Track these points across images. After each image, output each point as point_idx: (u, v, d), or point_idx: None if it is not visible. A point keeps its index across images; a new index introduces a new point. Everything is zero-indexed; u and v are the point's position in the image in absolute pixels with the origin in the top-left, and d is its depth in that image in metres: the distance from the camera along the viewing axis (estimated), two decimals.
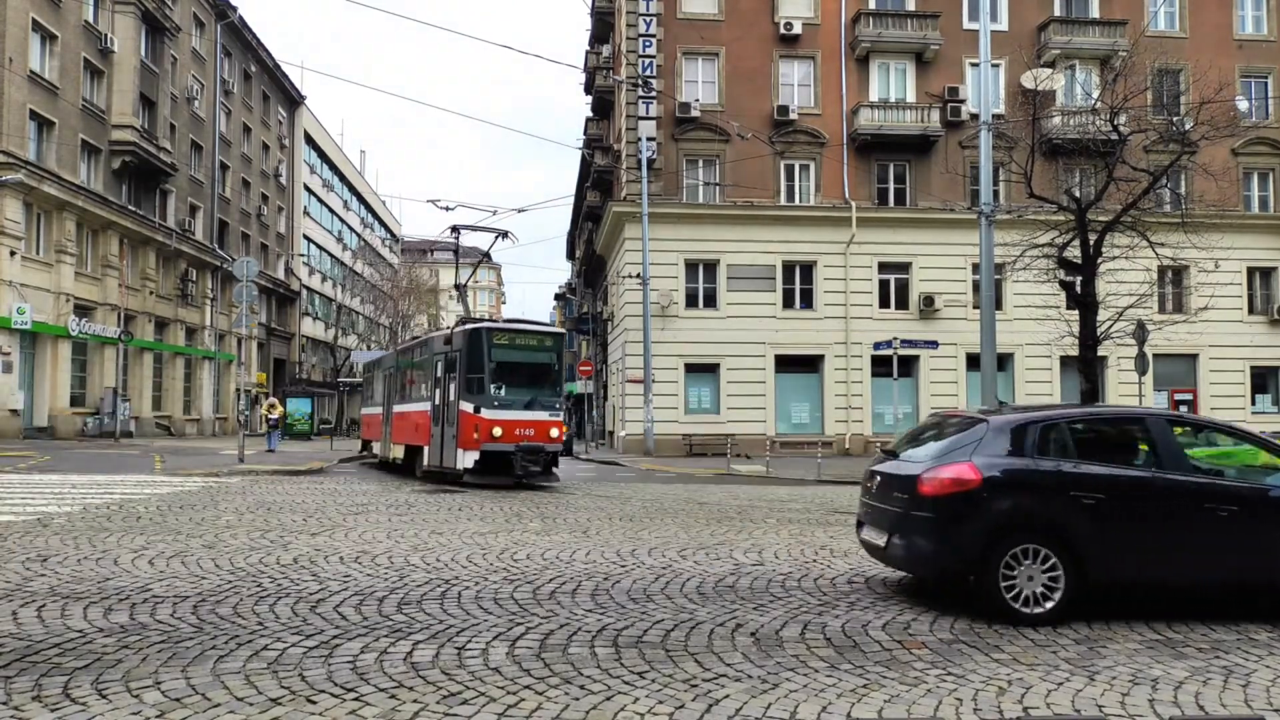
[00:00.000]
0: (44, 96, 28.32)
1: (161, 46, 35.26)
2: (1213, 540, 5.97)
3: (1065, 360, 27.19)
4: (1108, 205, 21.11)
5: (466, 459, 15.39)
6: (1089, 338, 20.44)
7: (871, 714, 4.10)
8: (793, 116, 29.34)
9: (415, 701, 4.15)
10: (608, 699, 4.22)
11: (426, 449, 17.14)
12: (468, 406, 15.46)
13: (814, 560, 8.15)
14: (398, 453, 19.72)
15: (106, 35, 31.22)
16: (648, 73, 28.65)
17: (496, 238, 20.66)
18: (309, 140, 56.39)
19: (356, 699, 4.18)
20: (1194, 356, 30.24)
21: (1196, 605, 6.34)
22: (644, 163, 27.56)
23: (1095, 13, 30.82)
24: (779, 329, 28.87)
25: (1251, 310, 31.05)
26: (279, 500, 12.73)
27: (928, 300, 29.22)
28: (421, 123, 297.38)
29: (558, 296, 70.51)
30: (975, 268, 24.59)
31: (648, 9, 28.98)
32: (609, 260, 35.00)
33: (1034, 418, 6.40)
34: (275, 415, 27.88)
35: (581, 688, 4.37)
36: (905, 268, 29.77)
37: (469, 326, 16.15)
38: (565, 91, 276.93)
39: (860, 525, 7.01)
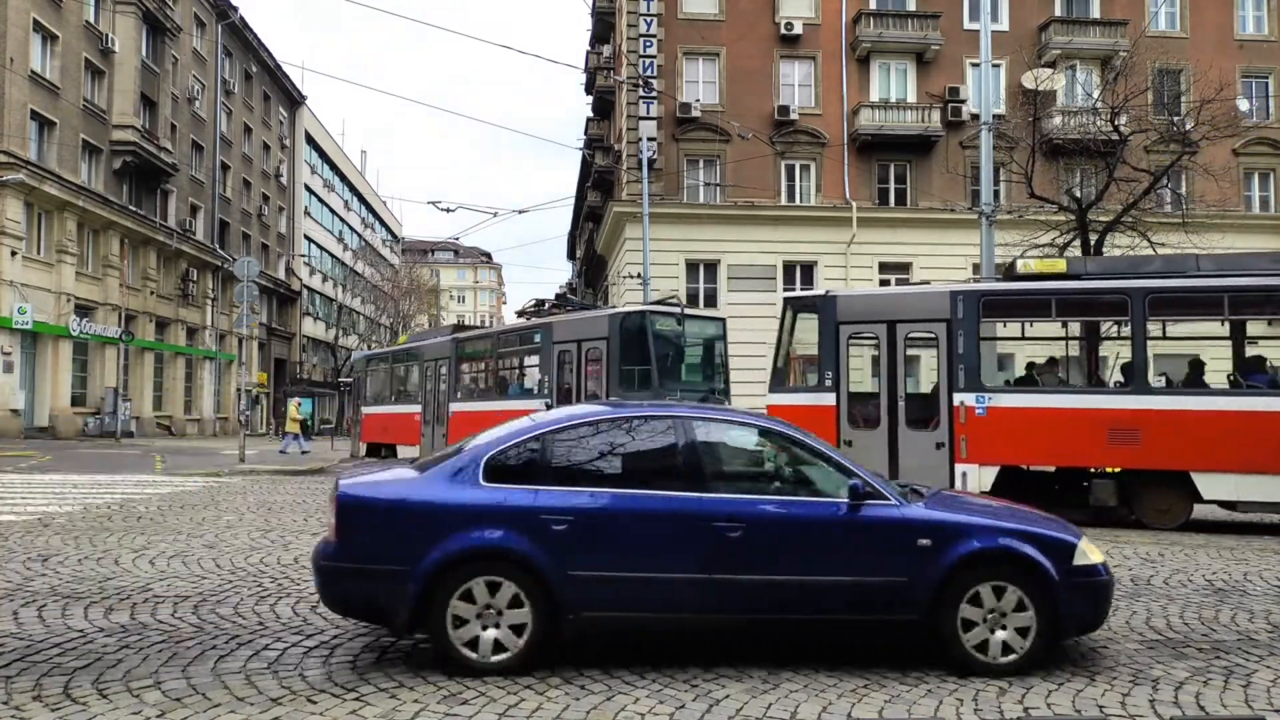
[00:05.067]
0: (45, 96, 28.33)
1: (162, 47, 35.27)
2: None
3: None
4: (1108, 205, 21.11)
5: None
6: None
7: (872, 714, 4.10)
8: (793, 117, 29.33)
9: (416, 702, 4.15)
10: (608, 699, 4.22)
11: None
12: None
13: None
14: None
15: (107, 35, 31.23)
16: (648, 73, 28.64)
17: None
18: (310, 140, 56.39)
19: (357, 699, 4.18)
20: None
21: (1196, 606, 6.34)
22: (644, 163, 27.54)
23: (1096, 13, 30.79)
24: None
25: None
26: (280, 500, 12.73)
27: None
28: (421, 123, 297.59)
29: (558, 296, 70.51)
30: (976, 268, 24.58)
31: (648, 9, 28.97)
32: (610, 260, 35.00)
33: None
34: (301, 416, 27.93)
35: (582, 688, 4.37)
36: (906, 268, 29.74)
37: None
38: (566, 92, 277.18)
39: None
